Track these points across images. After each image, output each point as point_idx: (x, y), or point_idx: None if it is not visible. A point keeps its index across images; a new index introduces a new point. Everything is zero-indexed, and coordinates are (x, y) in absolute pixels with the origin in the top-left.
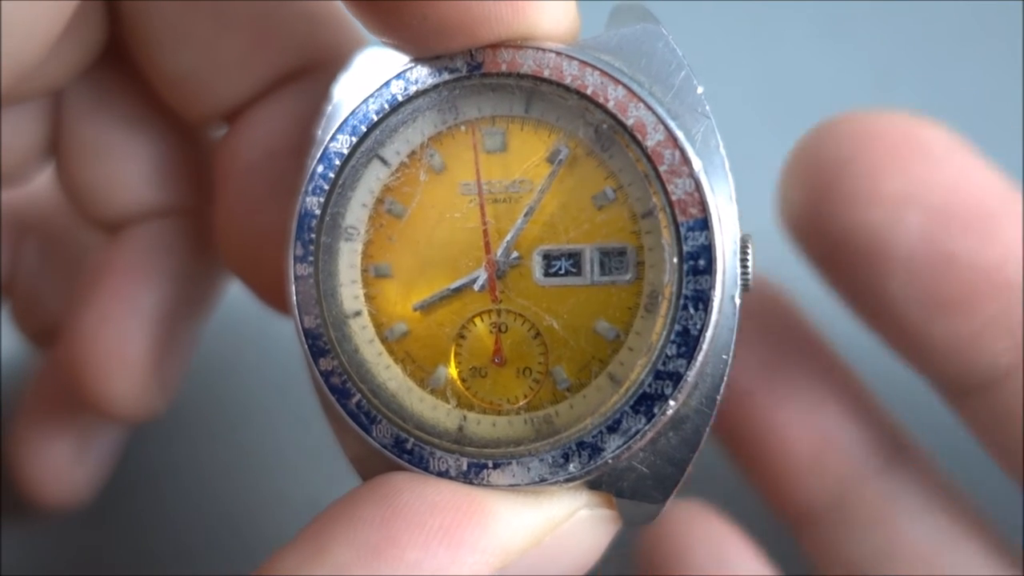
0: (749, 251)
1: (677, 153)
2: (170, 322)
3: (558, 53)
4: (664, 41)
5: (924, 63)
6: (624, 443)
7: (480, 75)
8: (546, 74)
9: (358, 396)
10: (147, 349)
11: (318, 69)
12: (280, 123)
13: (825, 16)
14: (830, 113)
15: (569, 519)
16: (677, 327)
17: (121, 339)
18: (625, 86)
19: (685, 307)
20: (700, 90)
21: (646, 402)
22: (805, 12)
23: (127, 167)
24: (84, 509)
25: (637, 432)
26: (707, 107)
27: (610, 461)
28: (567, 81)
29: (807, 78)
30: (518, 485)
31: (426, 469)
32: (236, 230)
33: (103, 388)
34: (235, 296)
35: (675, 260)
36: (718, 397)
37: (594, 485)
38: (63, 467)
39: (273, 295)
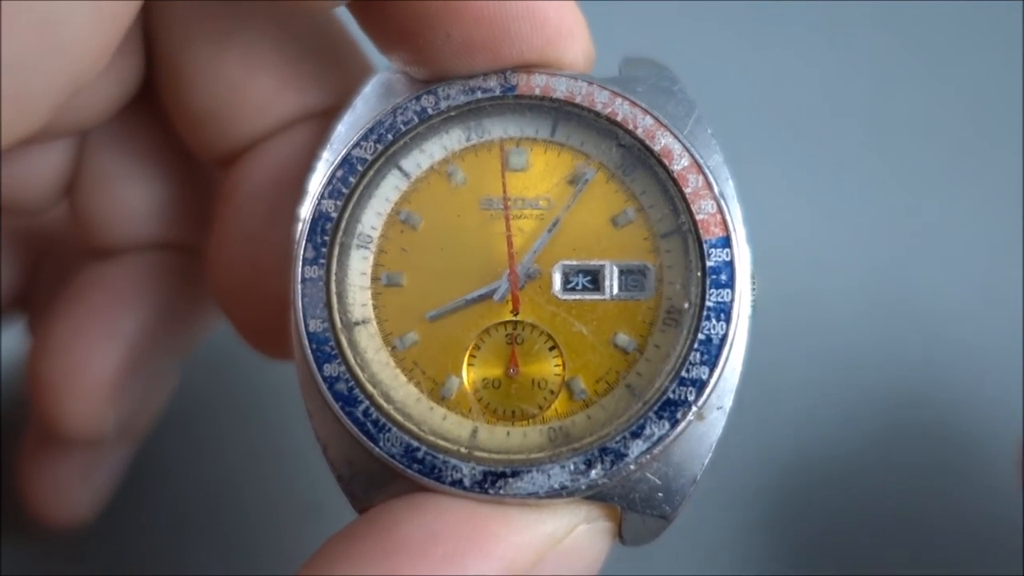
0: (755, 275)
1: (701, 178)
2: (143, 352)
3: (590, 82)
4: (679, 86)
5: (924, 63)
6: (647, 448)
7: (514, 96)
8: (578, 100)
9: (365, 403)
10: (113, 372)
11: (338, 108)
12: (289, 153)
13: (825, 16)
14: (828, 117)
15: (570, 534)
16: (700, 336)
17: (89, 357)
18: (653, 116)
19: (708, 318)
20: (710, 131)
21: (669, 408)
22: (805, 12)
23: (135, 200)
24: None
25: (661, 438)
26: (716, 145)
27: (632, 467)
28: (598, 108)
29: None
30: (537, 494)
31: (439, 479)
32: (229, 254)
33: (59, 402)
34: None
35: (699, 274)
36: (728, 408)
37: (606, 497)
38: (68, 487)
39: (256, 324)
